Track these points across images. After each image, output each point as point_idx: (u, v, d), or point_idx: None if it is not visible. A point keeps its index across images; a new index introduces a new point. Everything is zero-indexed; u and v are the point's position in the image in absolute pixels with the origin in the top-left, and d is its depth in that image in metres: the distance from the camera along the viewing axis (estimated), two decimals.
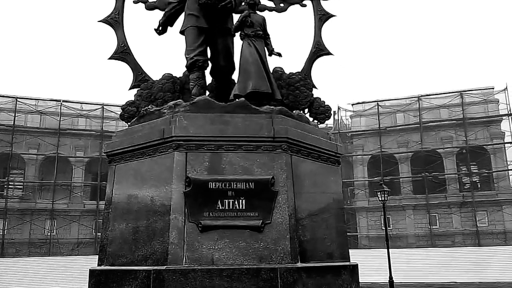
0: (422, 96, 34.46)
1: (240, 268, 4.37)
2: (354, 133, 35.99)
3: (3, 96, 33.61)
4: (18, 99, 33.33)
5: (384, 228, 23.46)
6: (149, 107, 5.41)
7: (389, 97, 35.64)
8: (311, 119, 6.07)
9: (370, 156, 35.37)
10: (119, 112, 6.50)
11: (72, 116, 34.91)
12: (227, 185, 4.63)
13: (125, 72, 6.78)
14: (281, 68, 6.22)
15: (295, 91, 6.07)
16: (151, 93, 5.91)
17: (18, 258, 29.81)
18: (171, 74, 6.08)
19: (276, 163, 4.78)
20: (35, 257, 30.07)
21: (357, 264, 5.43)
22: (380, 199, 20.93)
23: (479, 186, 34.91)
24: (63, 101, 34.49)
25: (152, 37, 6.41)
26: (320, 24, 6.53)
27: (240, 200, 4.60)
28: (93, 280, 4.91)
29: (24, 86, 69.97)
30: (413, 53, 78.20)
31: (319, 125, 6.13)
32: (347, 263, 5.35)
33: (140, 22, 7.49)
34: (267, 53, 5.66)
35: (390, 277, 19.55)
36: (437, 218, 32.99)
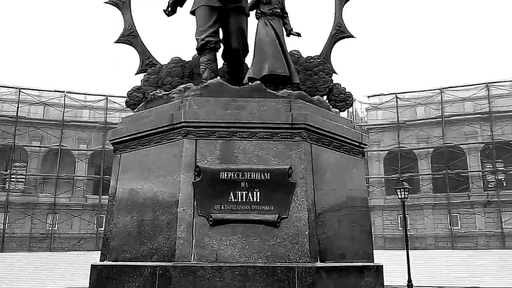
0: (444, 88, 33.40)
1: (253, 266, 4.03)
2: (370, 127, 35.07)
3: (5, 87, 33.31)
4: (21, 90, 32.98)
5: (401, 228, 22.79)
6: (157, 91, 5.11)
7: (408, 89, 34.74)
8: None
9: (387, 151, 34.53)
10: (123, 104, 6.22)
11: (76, 108, 34.55)
12: (241, 175, 4.27)
13: (131, 60, 6.44)
14: (298, 52, 5.87)
15: (313, 76, 5.74)
16: (158, 78, 5.69)
17: (19, 252, 29.60)
18: (180, 58, 5.82)
19: (294, 152, 4.39)
20: (36, 252, 29.78)
21: (382, 265, 5.01)
22: (400, 196, 20.22)
23: (504, 184, 33.66)
24: (67, 92, 34.11)
25: (160, 19, 6.09)
26: (341, 4, 6.13)
27: (255, 192, 4.24)
28: (95, 276, 4.64)
29: (27, 77, 68.77)
30: (436, 42, 74.39)
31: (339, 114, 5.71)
32: (371, 264, 4.93)
33: (148, 3, 7.14)
34: (284, 33, 5.25)
35: (409, 280, 18.80)
36: (458, 218, 31.99)
